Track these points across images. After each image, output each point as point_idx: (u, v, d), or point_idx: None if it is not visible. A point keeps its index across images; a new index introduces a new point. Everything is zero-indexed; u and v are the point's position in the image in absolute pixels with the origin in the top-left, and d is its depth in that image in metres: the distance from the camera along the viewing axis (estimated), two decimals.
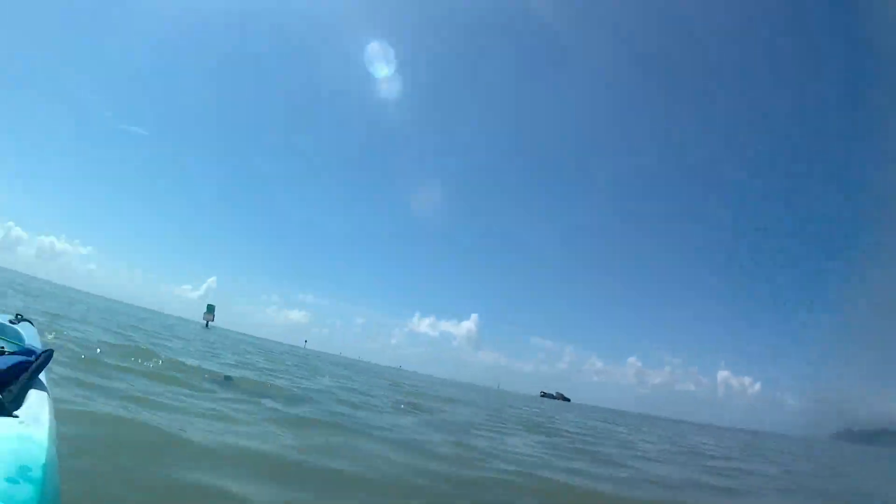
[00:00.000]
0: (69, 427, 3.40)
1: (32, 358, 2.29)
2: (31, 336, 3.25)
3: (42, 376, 2.34)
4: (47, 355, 2.34)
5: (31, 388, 2.13)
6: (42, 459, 1.47)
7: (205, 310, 32.60)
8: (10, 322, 3.48)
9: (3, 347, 2.67)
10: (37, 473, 1.38)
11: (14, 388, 2.04)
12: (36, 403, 1.97)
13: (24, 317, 3.65)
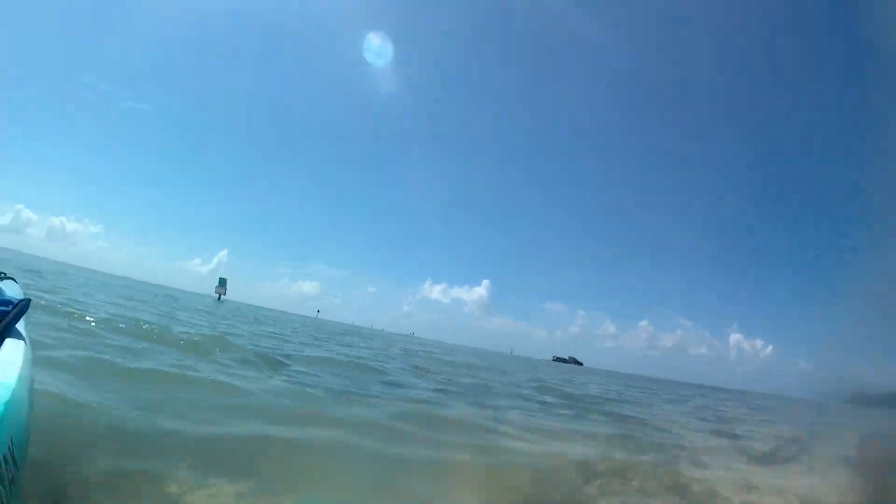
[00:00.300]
0: None
1: (9, 308, 2.36)
2: (13, 292, 3.21)
3: (21, 327, 2.44)
4: (23, 305, 2.44)
5: (7, 337, 2.21)
6: (5, 398, 1.53)
7: (216, 283, 32.88)
8: None
9: None
10: None
11: None
12: (9, 351, 2.06)
13: (8, 275, 3.68)
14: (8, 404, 1.53)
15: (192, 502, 2.75)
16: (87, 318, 8.06)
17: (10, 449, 1.48)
